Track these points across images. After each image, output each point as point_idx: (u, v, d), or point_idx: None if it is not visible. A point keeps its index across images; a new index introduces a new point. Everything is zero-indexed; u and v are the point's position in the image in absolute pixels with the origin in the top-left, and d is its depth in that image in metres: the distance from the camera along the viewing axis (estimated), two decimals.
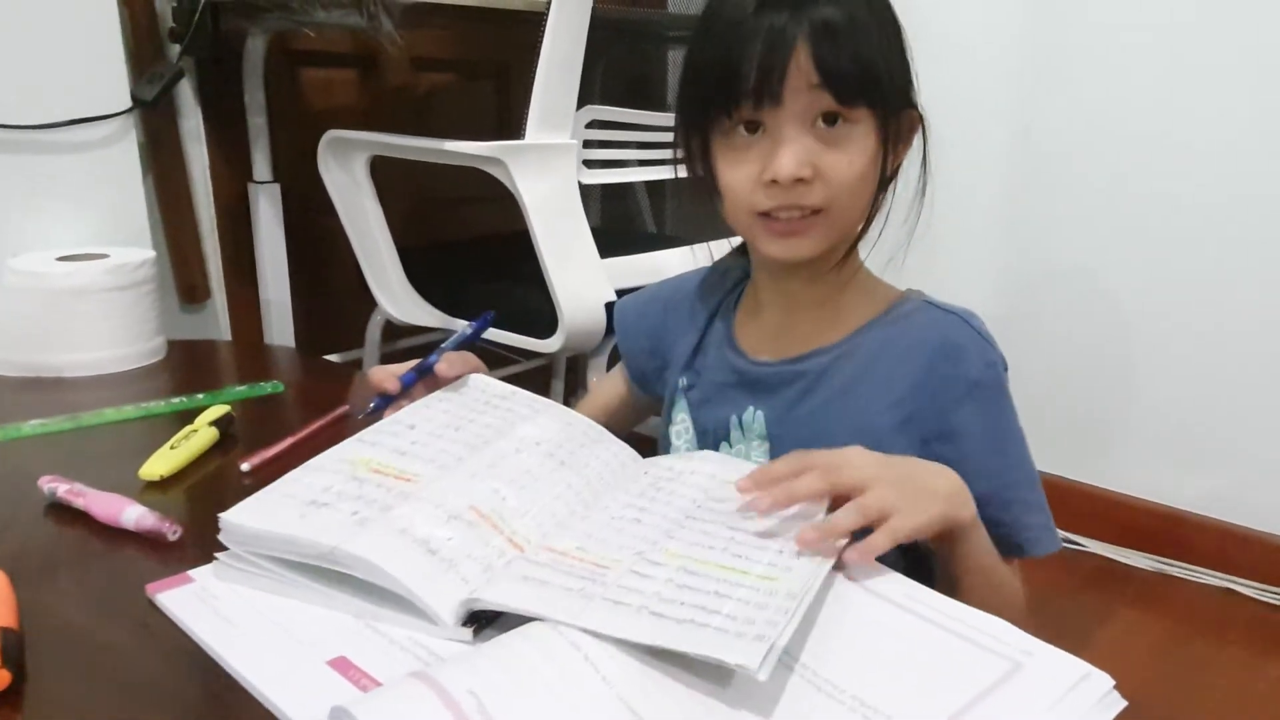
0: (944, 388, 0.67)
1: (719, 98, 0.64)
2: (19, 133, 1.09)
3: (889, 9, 0.67)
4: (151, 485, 0.69)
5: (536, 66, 1.18)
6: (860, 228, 0.69)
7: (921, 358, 0.68)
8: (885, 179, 0.67)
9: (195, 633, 0.49)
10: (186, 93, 1.46)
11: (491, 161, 1.18)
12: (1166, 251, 1.52)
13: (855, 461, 0.56)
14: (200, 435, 0.75)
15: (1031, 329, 1.68)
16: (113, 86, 1.17)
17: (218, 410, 0.79)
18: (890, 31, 0.66)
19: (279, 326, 1.57)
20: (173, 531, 0.60)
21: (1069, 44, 1.56)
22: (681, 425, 0.79)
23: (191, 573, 0.54)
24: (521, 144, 1.19)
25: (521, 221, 1.21)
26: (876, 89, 0.63)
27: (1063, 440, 1.66)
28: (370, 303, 1.46)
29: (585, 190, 1.28)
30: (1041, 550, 0.67)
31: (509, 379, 0.80)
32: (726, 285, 0.81)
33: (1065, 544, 1.60)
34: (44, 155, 1.12)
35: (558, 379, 1.72)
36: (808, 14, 0.61)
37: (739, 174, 0.65)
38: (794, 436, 0.70)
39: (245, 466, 0.72)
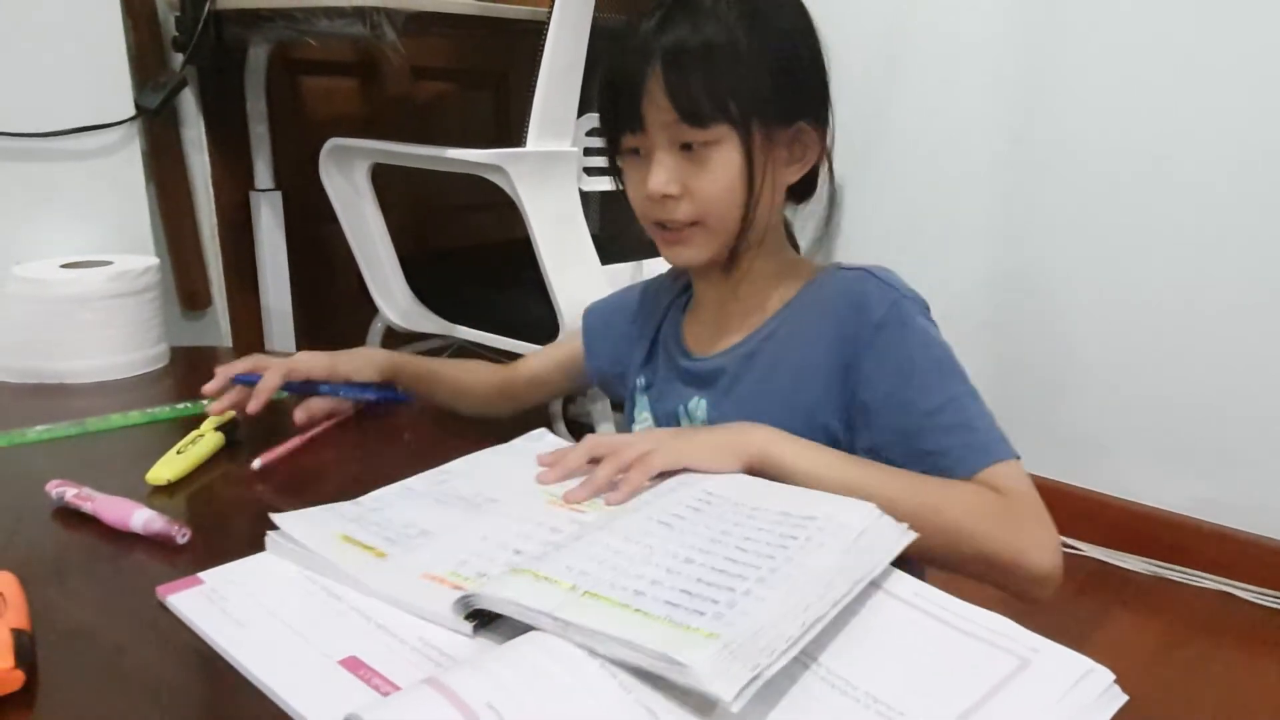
0: (853, 338, 0.69)
1: (606, 128, 0.73)
2: (23, 140, 1.09)
3: (780, 24, 0.70)
4: (159, 489, 0.70)
5: (538, 75, 1.19)
6: (742, 229, 0.71)
7: (833, 317, 0.71)
8: (753, 188, 0.70)
9: (206, 634, 0.49)
10: (189, 101, 1.48)
11: (493, 169, 1.19)
12: (1161, 255, 1.53)
13: (638, 441, 0.63)
14: (206, 440, 0.76)
15: (1025, 333, 1.69)
16: (116, 95, 1.17)
17: (223, 415, 0.80)
18: (768, 48, 0.69)
19: (280, 333, 1.58)
20: (181, 535, 0.60)
21: (1060, 51, 1.57)
22: (644, 422, 0.84)
23: (202, 574, 0.55)
24: (523, 151, 1.20)
25: (522, 228, 1.22)
26: (730, 109, 0.67)
27: (1058, 444, 1.67)
28: (371, 309, 1.47)
29: (585, 197, 1.29)
30: (965, 468, 0.63)
31: None
32: (676, 290, 0.86)
33: (1062, 547, 1.60)
34: (48, 163, 1.12)
35: None
36: (662, 41, 0.67)
37: (633, 189, 0.74)
38: (732, 419, 0.72)
39: (256, 464, 0.74)
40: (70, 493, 0.65)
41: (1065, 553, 1.71)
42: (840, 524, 0.53)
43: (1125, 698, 0.43)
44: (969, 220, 1.72)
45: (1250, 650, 1.38)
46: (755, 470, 0.62)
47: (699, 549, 0.51)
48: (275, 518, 0.58)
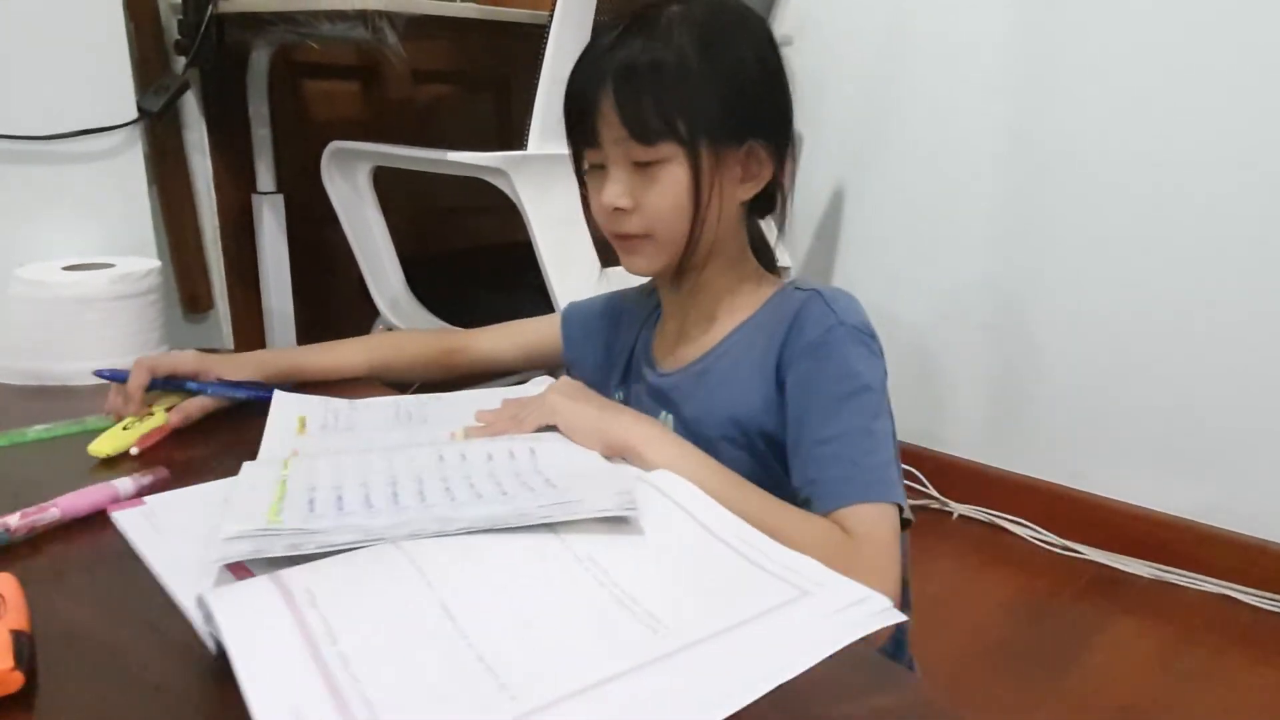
0: (787, 355, 0.71)
1: (570, 143, 0.75)
2: (26, 143, 1.10)
3: (735, 45, 0.71)
4: (103, 463, 0.72)
5: (539, 78, 1.19)
6: (689, 243, 0.73)
7: (779, 335, 0.72)
8: (700, 206, 0.71)
9: (132, 541, 0.57)
10: (191, 104, 1.48)
11: (495, 172, 1.20)
12: (1161, 259, 1.53)
13: (537, 402, 0.69)
14: (154, 419, 0.77)
15: (1026, 335, 1.69)
16: (119, 97, 1.18)
17: (172, 399, 0.81)
18: (720, 69, 0.70)
19: (281, 335, 1.58)
20: (158, 472, 0.66)
21: (1061, 54, 1.57)
22: None
23: (147, 499, 0.63)
24: (524, 155, 1.20)
25: (522, 231, 1.23)
26: (678, 129, 0.69)
27: (1059, 448, 1.67)
28: (372, 311, 1.47)
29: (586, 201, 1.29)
30: (830, 501, 0.64)
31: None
32: (650, 305, 0.87)
33: (1063, 551, 1.61)
34: (51, 165, 1.13)
35: None
36: (615, 60, 0.69)
37: (593, 202, 0.76)
38: (693, 435, 0.73)
39: (134, 450, 0.74)
40: (13, 520, 0.59)
41: (1067, 556, 1.70)
42: (570, 498, 0.54)
43: (903, 617, 0.43)
44: (969, 222, 1.72)
45: (1252, 654, 1.38)
46: (622, 459, 0.64)
47: (421, 479, 0.57)
48: (277, 395, 0.75)
